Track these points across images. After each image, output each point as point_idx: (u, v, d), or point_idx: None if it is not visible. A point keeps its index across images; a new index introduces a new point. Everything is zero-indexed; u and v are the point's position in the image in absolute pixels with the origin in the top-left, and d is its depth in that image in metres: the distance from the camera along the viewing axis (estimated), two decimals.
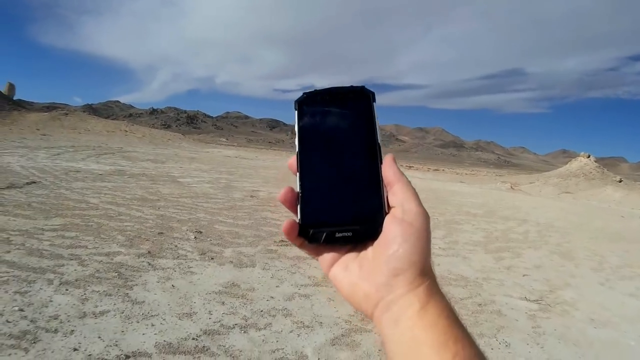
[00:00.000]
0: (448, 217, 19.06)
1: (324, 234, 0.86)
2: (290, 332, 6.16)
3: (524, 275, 10.63)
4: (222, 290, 7.24)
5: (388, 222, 0.83)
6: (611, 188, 44.70)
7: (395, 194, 0.85)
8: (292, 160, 0.91)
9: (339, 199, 0.87)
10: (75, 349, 4.93)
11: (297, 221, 0.87)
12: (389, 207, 0.86)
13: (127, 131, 59.64)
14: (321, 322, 6.56)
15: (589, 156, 56.67)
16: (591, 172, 53.09)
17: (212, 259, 8.77)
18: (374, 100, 0.92)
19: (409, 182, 0.86)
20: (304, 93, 0.95)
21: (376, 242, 0.84)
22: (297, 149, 0.91)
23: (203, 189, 18.27)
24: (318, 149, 0.90)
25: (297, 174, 0.90)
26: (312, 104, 0.94)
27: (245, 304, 6.86)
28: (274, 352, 5.53)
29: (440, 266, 10.55)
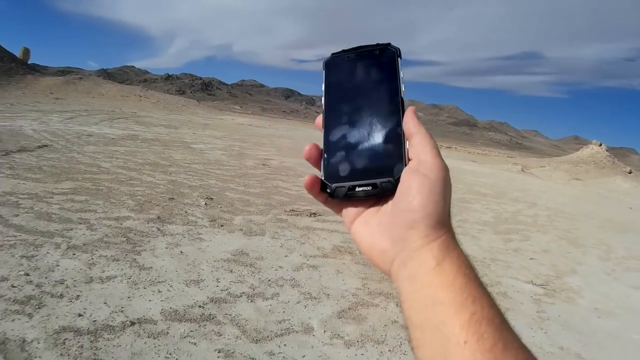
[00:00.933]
0: (459, 195, 19.06)
1: (345, 189, 0.86)
2: (297, 303, 6.12)
3: (531, 259, 10.61)
4: (230, 258, 7.19)
5: (405, 174, 0.81)
6: (621, 178, 44.47)
7: (414, 146, 0.82)
8: (319, 118, 0.92)
9: (362, 154, 0.86)
10: (80, 315, 4.87)
11: (320, 177, 0.88)
12: (409, 160, 0.83)
13: (141, 96, 59.65)
14: (328, 294, 6.52)
15: (600, 144, 56.39)
16: (602, 161, 52.83)
17: (221, 226, 8.72)
18: (400, 56, 0.91)
19: (429, 133, 0.83)
20: (331, 54, 0.96)
21: (394, 196, 0.82)
22: (323, 107, 0.93)
23: (215, 156, 18.24)
24: (343, 107, 0.91)
25: (322, 130, 0.91)
26: (338, 63, 0.95)
27: (253, 272, 6.81)
28: (280, 322, 5.47)
29: None
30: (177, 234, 7.89)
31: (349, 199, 0.87)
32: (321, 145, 0.90)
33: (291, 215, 10.21)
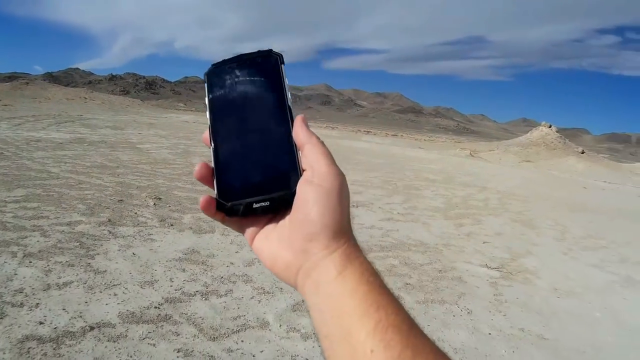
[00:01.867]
0: (407, 182, 19.20)
1: (242, 207, 0.83)
2: (251, 298, 6.25)
3: (484, 243, 10.79)
4: (182, 257, 7.31)
5: (300, 185, 0.80)
6: (574, 159, 44.84)
7: (306, 156, 0.81)
8: (206, 134, 0.89)
9: (254, 169, 0.85)
10: (41, 322, 4.95)
11: (215, 196, 0.85)
12: (304, 170, 0.82)
13: (86, 98, 58.89)
14: (281, 288, 6.64)
15: (550, 126, 56.75)
16: (552, 142, 53.18)
17: (171, 225, 8.82)
18: (283, 62, 0.90)
19: (320, 142, 0.82)
20: (212, 64, 0.94)
21: (292, 209, 0.81)
22: (208, 122, 0.89)
23: (162, 155, 18.21)
24: (229, 119, 0.88)
25: (211, 147, 0.88)
26: (220, 74, 0.92)
27: (205, 270, 6.94)
28: (236, 319, 5.60)
29: (400, 231, 10.71)
30: (129, 235, 7.96)
31: (246, 216, 0.85)
32: (211, 163, 0.87)
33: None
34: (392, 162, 28.33)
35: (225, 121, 0.88)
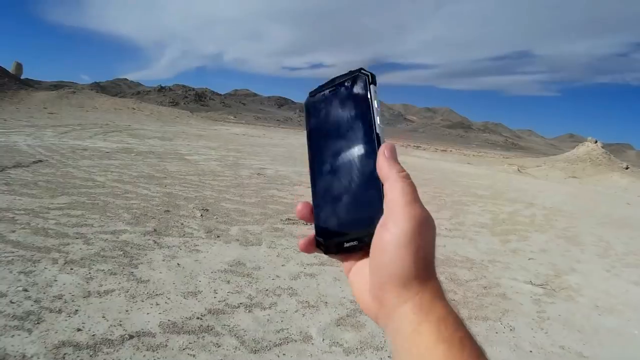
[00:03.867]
0: (455, 198, 19.12)
1: (335, 244, 0.83)
2: (295, 311, 6.15)
3: (529, 259, 10.65)
4: (227, 269, 7.23)
5: (377, 228, 0.75)
6: (618, 174, 44.48)
7: (386, 194, 0.75)
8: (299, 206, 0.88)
9: (343, 207, 0.82)
10: (79, 329, 4.90)
11: (315, 235, 0.85)
12: None
13: (134, 109, 59.65)
14: (326, 302, 6.55)
15: (596, 141, 56.47)
16: (598, 158, 52.88)
17: (218, 237, 8.75)
18: (373, 82, 0.81)
19: (403, 175, 0.76)
20: (309, 93, 0.90)
21: (369, 253, 0.77)
22: (308, 159, 0.88)
23: (210, 167, 18.24)
24: (324, 154, 0.86)
25: (310, 182, 0.87)
26: (315, 103, 0.89)
27: (250, 282, 6.85)
28: (279, 332, 5.51)
29: (446, 247, 10.58)
30: (174, 246, 7.91)
31: (341, 253, 0.84)
32: (311, 201, 0.87)
33: (287, 224, 10.22)
34: (441, 177, 28.32)
35: (320, 156, 0.87)
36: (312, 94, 0.89)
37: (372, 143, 0.79)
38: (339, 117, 0.84)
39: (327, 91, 0.87)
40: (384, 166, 0.76)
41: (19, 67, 66.03)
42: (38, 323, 4.92)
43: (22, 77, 68.26)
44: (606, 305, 8.20)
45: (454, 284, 8.12)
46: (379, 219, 0.75)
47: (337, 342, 5.50)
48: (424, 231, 0.72)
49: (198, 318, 5.52)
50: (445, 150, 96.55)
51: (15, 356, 4.33)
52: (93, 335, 4.83)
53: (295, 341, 5.38)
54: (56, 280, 5.97)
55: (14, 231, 7.55)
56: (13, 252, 6.72)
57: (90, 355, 4.47)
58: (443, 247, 10.54)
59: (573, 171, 48.07)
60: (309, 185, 0.87)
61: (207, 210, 10.64)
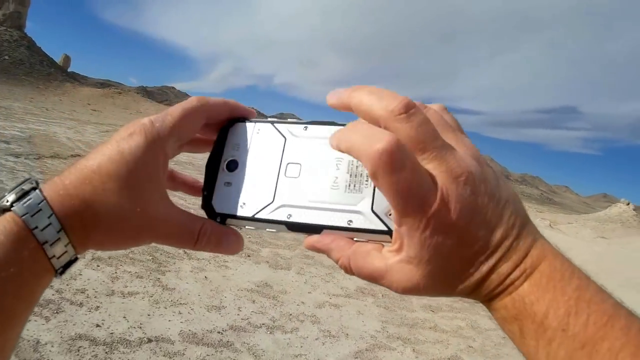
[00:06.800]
0: None
1: None
2: (316, 339, 6.18)
3: None
4: (254, 289, 7.29)
5: None
6: None
7: None
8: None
9: None
10: (97, 325, 4.99)
11: None
12: None
13: None
14: (347, 334, 6.57)
15: (628, 203, 56.03)
16: (629, 220, 52.36)
17: (248, 256, 8.83)
18: None
19: None
20: None
21: None
22: None
23: None
24: None
25: None
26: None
27: (275, 305, 6.90)
28: (297, 357, 5.55)
29: None
30: (203, 259, 7.99)
31: None
32: None
33: (318, 253, 10.28)
34: None
35: None
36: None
37: None
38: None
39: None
40: None
41: (67, 59, 67.19)
42: (57, 313, 5.02)
43: (69, 70, 69.21)
44: None
45: (474, 331, 8.08)
46: None
47: None
48: None
49: (219, 332, 5.58)
50: None
51: (29, 340, 4.43)
52: (111, 333, 4.92)
53: None
54: (81, 275, 6.09)
55: None
56: None
57: (106, 352, 4.56)
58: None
59: (603, 231, 47.54)
60: None
61: (241, 228, 10.75)
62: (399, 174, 0.53)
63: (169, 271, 7.06)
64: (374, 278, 0.62)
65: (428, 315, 8.11)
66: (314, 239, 0.69)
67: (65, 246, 0.59)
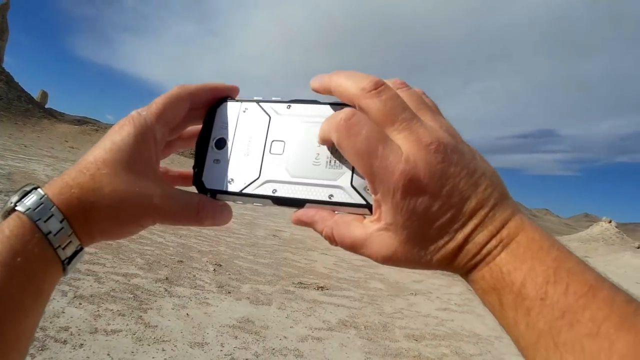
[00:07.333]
0: None
1: None
2: None
3: None
4: (236, 325, 7.35)
5: None
6: (629, 254, 43.77)
7: None
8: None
9: None
10: None
11: None
12: None
13: None
14: None
15: (610, 221, 56.19)
16: (611, 238, 52.40)
17: (229, 292, 8.89)
18: None
19: None
20: None
21: None
22: None
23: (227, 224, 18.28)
24: None
25: None
26: None
27: (258, 340, 6.97)
28: None
29: (455, 322, 10.60)
30: (184, 296, 8.06)
31: None
32: None
33: (299, 287, 10.33)
34: None
35: None
36: None
37: None
38: None
39: None
40: None
41: (44, 95, 66.91)
42: (42, 350, 5.09)
43: (47, 106, 68.97)
44: None
45: (458, 357, 8.19)
46: None
47: None
48: None
49: None
50: None
51: None
52: None
53: None
54: (64, 313, 6.14)
55: None
56: None
57: None
58: (451, 322, 10.58)
59: (586, 250, 47.60)
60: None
61: (221, 265, 10.79)
62: (355, 137, 0.61)
63: (151, 309, 7.12)
64: (355, 247, 0.66)
65: (412, 344, 8.20)
66: (299, 213, 0.75)
67: (69, 235, 0.64)
